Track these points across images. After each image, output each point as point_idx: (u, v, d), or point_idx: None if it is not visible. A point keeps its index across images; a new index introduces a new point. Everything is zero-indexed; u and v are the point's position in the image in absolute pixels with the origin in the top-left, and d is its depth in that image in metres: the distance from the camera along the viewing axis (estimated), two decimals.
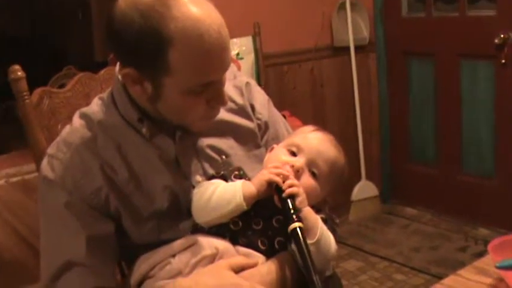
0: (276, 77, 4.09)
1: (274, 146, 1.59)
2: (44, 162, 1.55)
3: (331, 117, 4.47)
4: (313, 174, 1.50)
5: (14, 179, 3.18)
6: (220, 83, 1.46)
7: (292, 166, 1.47)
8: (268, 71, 3.86)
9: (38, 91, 1.86)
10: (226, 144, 1.62)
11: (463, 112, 4.14)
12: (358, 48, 4.42)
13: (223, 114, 1.61)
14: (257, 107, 1.70)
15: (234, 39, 3.56)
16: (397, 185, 4.74)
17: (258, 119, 1.69)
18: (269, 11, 3.97)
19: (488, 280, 1.50)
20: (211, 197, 1.43)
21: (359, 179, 4.55)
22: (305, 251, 1.33)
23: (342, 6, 4.32)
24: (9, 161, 3.52)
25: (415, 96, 4.46)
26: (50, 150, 1.56)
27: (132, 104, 1.52)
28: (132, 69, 1.42)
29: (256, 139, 1.67)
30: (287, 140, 1.58)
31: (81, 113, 1.59)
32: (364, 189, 4.56)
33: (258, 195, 1.43)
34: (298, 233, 1.35)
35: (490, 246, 1.50)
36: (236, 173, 1.52)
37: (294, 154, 1.51)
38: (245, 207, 1.42)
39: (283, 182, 1.42)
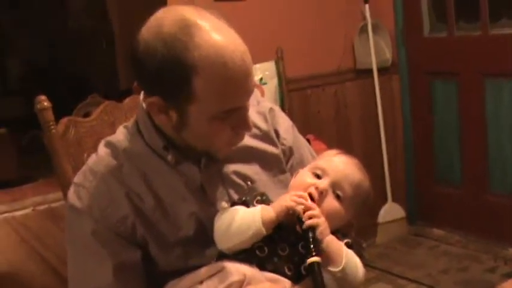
0: (300, 101, 4.10)
1: (300, 170, 1.59)
2: (71, 191, 1.56)
3: (355, 140, 4.46)
4: (338, 197, 1.49)
5: (41, 207, 3.19)
6: (245, 109, 1.46)
7: (317, 188, 1.47)
8: (292, 95, 3.87)
9: (64, 121, 1.88)
10: (251, 170, 1.62)
11: (488, 131, 4.11)
12: (381, 70, 4.42)
13: (247, 141, 1.61)
14: (281, 132, 1.70)
15: (257, 65, 3.57)
16: (424, 206, 4.70)
17: (283, 144, 1.69)
18: (291, 36, 3.99)
19: None
20: (231, 223, 1.44)
21: (385, 201, 4.52)
22: (320, 286, 1.33)
23: (364, 29, 4.32)
24: (36, 189, 3.54)
25: (439, 116, 4.43)
26: (77, 179, 1.57)
27: (157, 131, 1.53)
28: (157, 98, 1.43)
29: (281, 164, 1.67)
30: (312, 163, 1.58)
31: (107, 142, 1.60)
32: (390, 211, 4.53)
33: (278, 220, 1.43)
34: (314, 268, 1.35)
35: None
36: (259, 198, 1.51)
37: (318, 177, 1.50)
38: (264, 233, 1.41)
39: (304, 211, 1.42)
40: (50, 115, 1.84)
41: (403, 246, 4.43)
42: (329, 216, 1.45)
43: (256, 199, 1.51)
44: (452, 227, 4.47)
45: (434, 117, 4.46)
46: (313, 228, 1.40)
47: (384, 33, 4.42)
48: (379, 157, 4.49)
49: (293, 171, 1.66)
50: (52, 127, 1.84)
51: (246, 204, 1.50)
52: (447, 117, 4.37)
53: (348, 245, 1.48)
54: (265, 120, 1.69)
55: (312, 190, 1.46)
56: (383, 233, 4.47)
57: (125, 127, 1.62)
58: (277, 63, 3.63)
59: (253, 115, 1.64)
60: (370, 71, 4.39)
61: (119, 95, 2.05)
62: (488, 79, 4.05)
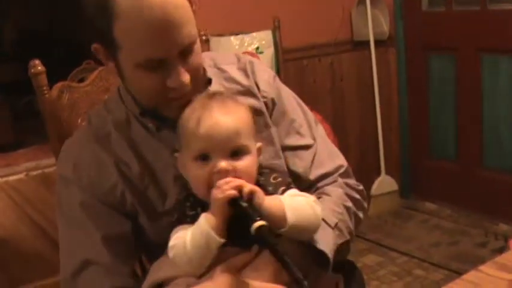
0: (296, 71, 4.09)
1: (177, 155, 1.46)
2: (60, 160, 1.56)
3: (350, 112, 4.46)
4: (236, 154, 1.38)
5: (34, 173, 3.20)
6: (174, 63, 1.40)
7: (219, 172, 1.35)
8: (288, 65, 3.85)
9: (58, 85, 1.87)
10: None
11: (483, 107, 4.11)
12: (378, 43, 4.40)
13: None
14: (261, 85, 1.66)
15: (253, 33, 3.56)
16: (417, 180, 4.72)
17: (264, 97, 1.65)
18: (289, 5, 3.96)
19: (510, 276, 1.49)
20: (185, 252, 1.34)
21: (378, 173, 4.53)
22: (276, 248, 1.24)
23: (362, 1, 4.30)
24: (29, 154, 3.55)
25: (435, 91, 4.43)
26: (66, 148, 1.57)
27: (133, 98, 1.53)
28: (97, 44, 1.45)
29: (265, 118, 1.63)
30: (187, 150, 1.42)
31: (95, 111, 1.61)
32: (383, 184, 4.54)
33: (225, 221, 1.32)
34: (262, 233, 1.25)
35: (511, 242, 1.49)
36: (188, 204, 1.42)
37: (206, 157, 1.38)
38: (223, 241, 1.31)
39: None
40: (43, 79, 1.83)
41: (395, 219, 4.45)
42: (249, 173, 1.39)
43: (187, 206, 1.41)
44: (445, 201, 4.49)
45: (431, 91, 4.46)
46: (250, 198, 1.32)
47: (382, 6, 4.40)
48: (374, 129, 4.49)
49: (276, 123, 1.64)
50: (46, 92, 1.83)
51: (183, 213, 1.41)
52: (443, 91, 4.37)
53: (283, 192, 1.42)
54: (247, 75, 1.66)
55: (218, 179, 1.35)
56: (375, 205, 4.48)
57: (110, 96, 1.63)
58: (273, 33, 3.62)
59: (234, 72, 1.65)
60: (367, 43, 4.37)
61: None
62: (485, 54, 4.04)
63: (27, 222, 3.11)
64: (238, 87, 1.64)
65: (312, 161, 1.65)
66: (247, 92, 1.64)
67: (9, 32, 6.69)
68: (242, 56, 1.73)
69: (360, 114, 4.51)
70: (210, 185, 1.35)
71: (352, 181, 1.69)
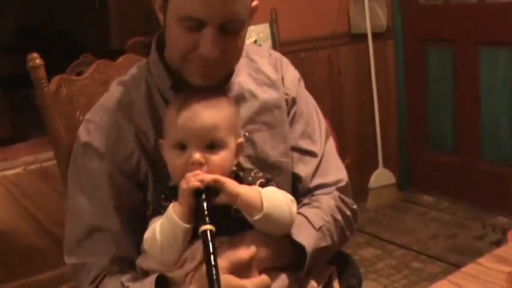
0: (293, 64, 4.04)
1: (161, 142, 1.49)
2: (81, 127, 1.57)
3: (348, 105, 4.45)
4: (212, 147, 1.40)
5: (32, 167, 3.20)
6: (212, 33, 1.39)
7: (193, 163, 1.37)
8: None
9: (56, 79, 1.87)
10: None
11: (481, 100, 4.11)
12: (375, 36, 4.39)
13: (254, 88, 1.61)
14: (286, 81, 1.69)
15: (251, 26, 3.53)
16: (415, 173, 4.72)
17: (286, 94, 1.67)
18: None
19: (508, 269, 1.49)
20: (157, 243, 1.37)
21: (376, 166, 4.54)
22: (210, 258, 1.23)
23: None
24: (28, 148, 3.56)
25: (433, 83, 4.43)
26: (88, 115, 1.58)
27: (166, 71, 1.53)
28: None
29: (282, 114, 1.65)
30: (167, 138, 1.46)
31: (119, 80, 1.62)
32: (381, 176, 4.54)
33: (191, 208, 1.34)
34: (206, 237, 1.26)
35: (510, 235, 1.50)
36: (163, 196, 1.44)
37: (184, 147, 1.41)
38: (189, 227, 1.34)
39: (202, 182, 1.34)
40: (42, 73, 1.82)
41: (393, 212, 4.45)
42: (223, 167, 1.40)
43: (163, 198, 1.44)
44: (443, 194, 4.50)
45: (429, 84, 4.46)
46: (211, 192, 1.34)
47: None
48: (372, 122, 4.49)
49: (293, 122, 1.66)
50: (44, 85, 1.82)
51: (159, 205, 1.44)
52: (441, 84, 4.37)
53: (262, 184, 1.44)
54: (276, 69, 1.69)
55: (191, 169, 1.37)
56: (373, 198, 4.49)
57: (138, 67, 1.63)
58: (271, 26, 3.61)
59: (265, 66, 1.67)
60: (365, 35, 4.36)
61: (111, 55, 2.04)
62: (483, 47, 4.04)
63: (25, 216, 3.12)
64: (266, 80, 1.66)
65: (316, 170, 1.66)
66: (273, 86, 1.66)
67: (8, 26, 6.69)
68: (273, 52, 1.76)
69: (358, 107, 4.50)
70: (185, 174, 1.38)
71: (348, 198, 1.69)
